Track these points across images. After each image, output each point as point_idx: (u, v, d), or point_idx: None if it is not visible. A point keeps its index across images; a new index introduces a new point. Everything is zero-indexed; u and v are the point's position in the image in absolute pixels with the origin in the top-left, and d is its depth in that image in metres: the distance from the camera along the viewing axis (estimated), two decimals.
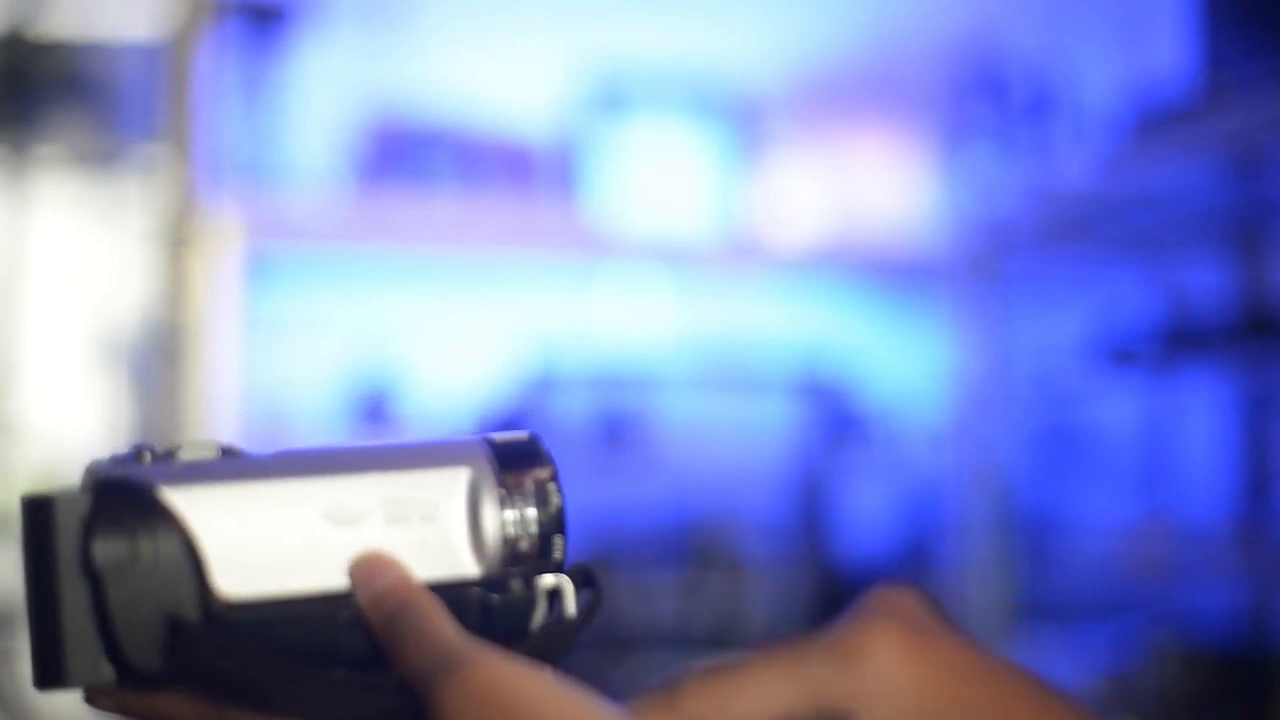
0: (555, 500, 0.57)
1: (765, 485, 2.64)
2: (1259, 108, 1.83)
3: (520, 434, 0.58)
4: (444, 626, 0.52)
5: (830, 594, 2.54)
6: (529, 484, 0.57)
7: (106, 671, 0.53)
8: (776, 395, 2.67)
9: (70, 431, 2.20)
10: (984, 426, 2.42)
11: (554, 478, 0.57)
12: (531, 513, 0.57)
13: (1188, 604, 2.24)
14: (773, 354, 2.68)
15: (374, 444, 0.58)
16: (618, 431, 2.56)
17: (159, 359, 2.12)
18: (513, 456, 0.57)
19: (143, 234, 2.17)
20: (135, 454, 0.55)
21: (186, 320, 2.10)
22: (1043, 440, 2.56)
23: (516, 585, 0.56)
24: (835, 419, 2.64)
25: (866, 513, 2.65)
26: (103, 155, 2.27)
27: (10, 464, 2.19)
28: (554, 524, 0.57)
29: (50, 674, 0.53)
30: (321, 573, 0.55)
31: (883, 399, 2.70)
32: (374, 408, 2.46)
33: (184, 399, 2.08)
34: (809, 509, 2.62)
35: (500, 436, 0.58)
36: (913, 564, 2.61)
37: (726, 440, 2.65)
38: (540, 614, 0.56)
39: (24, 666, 2.16)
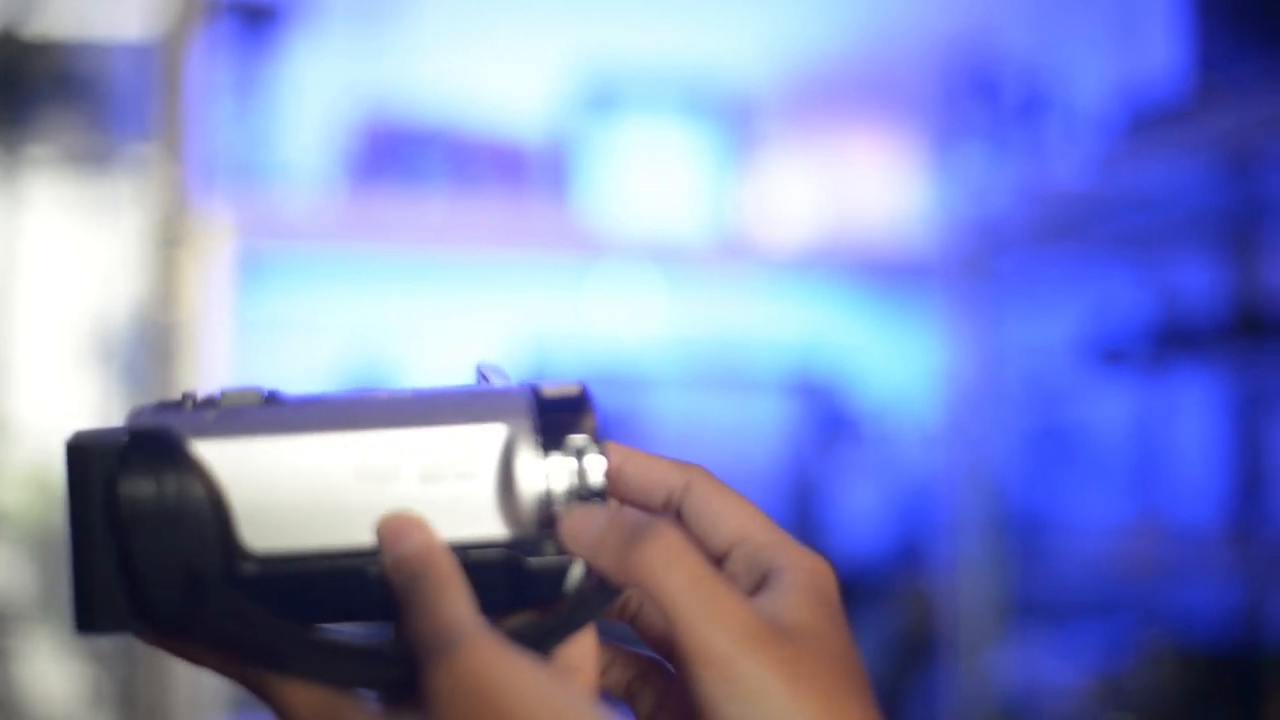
0: (596, 460, 0.55)
1: (758, 484, 2.64)
2: (1251, 108, 1.83)
3: (570, 386, 0.56)
4: (452, 601, 0.52)
5: None
6: (570, 442, 0.55)
7: (134, 619, 0.54)
8: (769, 394, 2.67)
9: (63, 431, 2.19)
10: (976, 426, 2.42)
11: (597, 436, 0.55)
12: (571, 472, 0.55)
13: (1180, 603, 2.25)
14: (766, 353, 2.68)
15: (417, 392, 0.56)
16: (611, 431, 2.56)
17: (151, 359, 2.11)
18: (557, 411, 0.55)
19: (135, 234, 2.16)
20: (179, 402, 0.55)
21: (179, 320, 2.09)
22: (1035, 440, 2.56)
23: (550, 548, 0.54)
24: (828, 418, 2.65)
25: (859, 512, 2.66)
26: (95, 155, 2.26)
27: (3, 463, 2.18)
28: (594, 485, 0.55)
29: (83, 619, 0.54)
30: (351, 529, 0.54)
31: (875, 398, 2.70)
32: None
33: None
34: (802, 508, 2.62)
35: (549, 389, 0.56)
36: (905, 563, 2.61)
37: (719, 439, 2.65)
38: (575, 577, 0.55)
39: (23, 667, 2.15)
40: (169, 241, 2.10)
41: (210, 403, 0.55)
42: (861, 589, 2.59)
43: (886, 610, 2.58)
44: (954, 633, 2.42)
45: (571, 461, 0.55)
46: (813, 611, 0.53)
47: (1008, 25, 2.60)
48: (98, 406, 2.23)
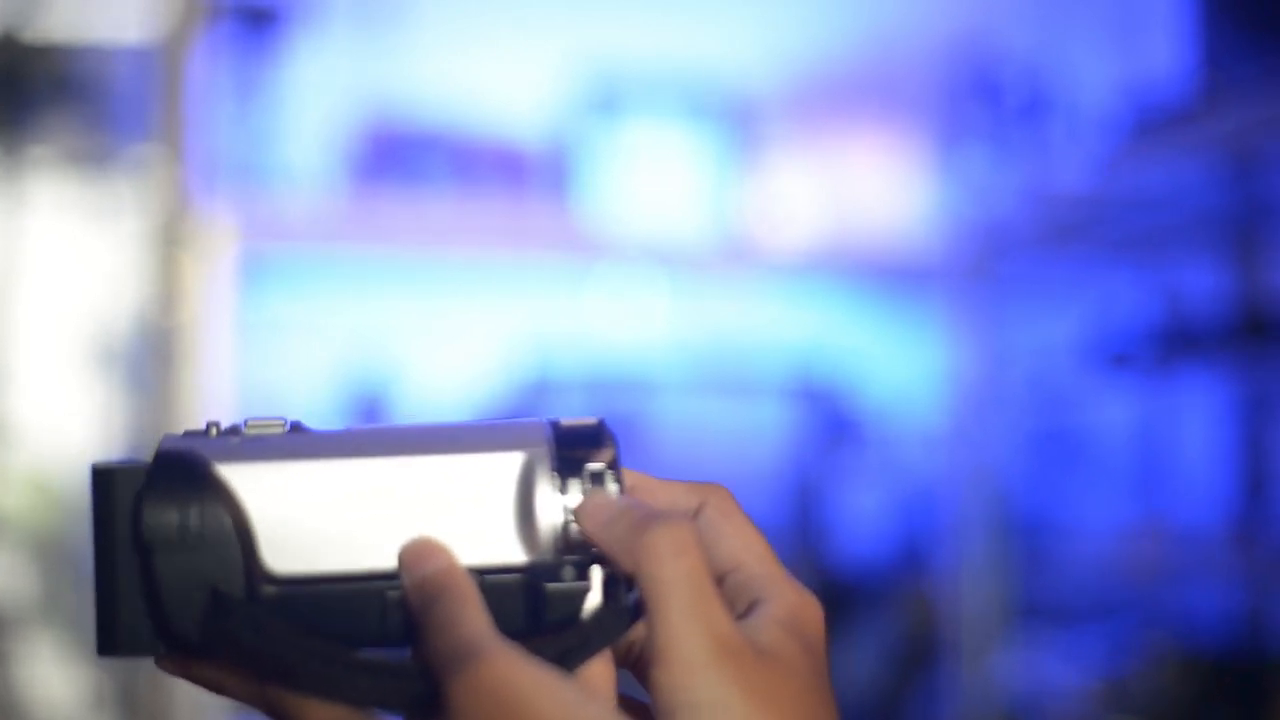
0: (613, 489, 0.56)
1: (761, 488, 2.64)
2: (1255, 109, 1.83)
3: (589, 419, 0.58)
4: (471, 617, 0.52)
5: (826, 597, 2.53)
6: (587, 471, 0.56)
7: (156, 642, 0.55)
8: (772, 398, 2.67)
9: (64, 434, 2.19)
10: (980, 429, 2.41)
11: (614, 465, 0.56)
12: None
13: (1184, 606, 2.24)
14: (768, 357, 2.68)
15: (437, 424, 0.58)
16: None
17: (153, 361, 2.11)
18: (574, 442, 0.57)
19: (137, 236, 2.16)
20: (204, 431, 0.56)
21: (181, 323, 2.09)
22: (1039, 442, 2.56)
23: (568, 573, 0.55)
24: (831, 421, 2.64)
25: (862, 515, 2.65)
26: (96, 157, 2.26)
27: (3, 467, 2.18)
28: None
29: (106, 642, 0.55)
30: (372, 553, 0.55)
31: (878, 401, 2.69)
32: (369, 410, 2.46)
33: (178, 402, 2.07)
34: (805, 512, 2.62)
35: (567, 420, 0.58)
36: (908, 566, 2.61)
37: (722, 443, 2.65)
38: (592, 603, 0.55)
39: (23, 670, 2.15)
40: (171, 244, 2.10)
41: (234, 430, 0.56)
42: (864, 592, 2.59)
43: (889, 614, 2.58)
44: (957, 636, 2.41)
45: (589, 488, 0.56)
46: (788, 640, 0.53)
47: (1010, 27, 2.60)
48: (99, 409, 2.23)
